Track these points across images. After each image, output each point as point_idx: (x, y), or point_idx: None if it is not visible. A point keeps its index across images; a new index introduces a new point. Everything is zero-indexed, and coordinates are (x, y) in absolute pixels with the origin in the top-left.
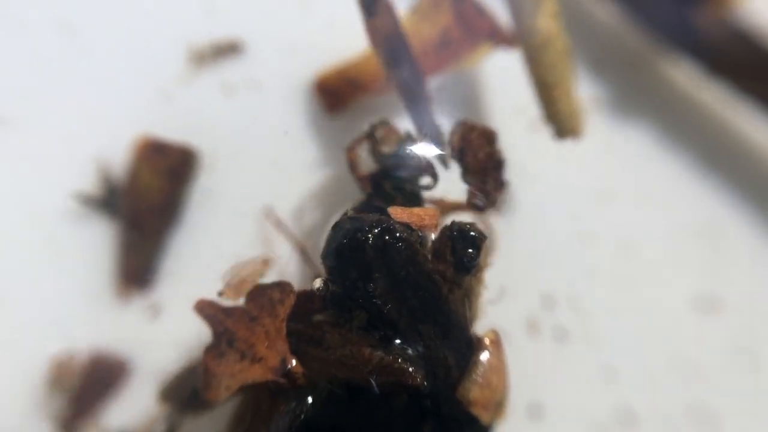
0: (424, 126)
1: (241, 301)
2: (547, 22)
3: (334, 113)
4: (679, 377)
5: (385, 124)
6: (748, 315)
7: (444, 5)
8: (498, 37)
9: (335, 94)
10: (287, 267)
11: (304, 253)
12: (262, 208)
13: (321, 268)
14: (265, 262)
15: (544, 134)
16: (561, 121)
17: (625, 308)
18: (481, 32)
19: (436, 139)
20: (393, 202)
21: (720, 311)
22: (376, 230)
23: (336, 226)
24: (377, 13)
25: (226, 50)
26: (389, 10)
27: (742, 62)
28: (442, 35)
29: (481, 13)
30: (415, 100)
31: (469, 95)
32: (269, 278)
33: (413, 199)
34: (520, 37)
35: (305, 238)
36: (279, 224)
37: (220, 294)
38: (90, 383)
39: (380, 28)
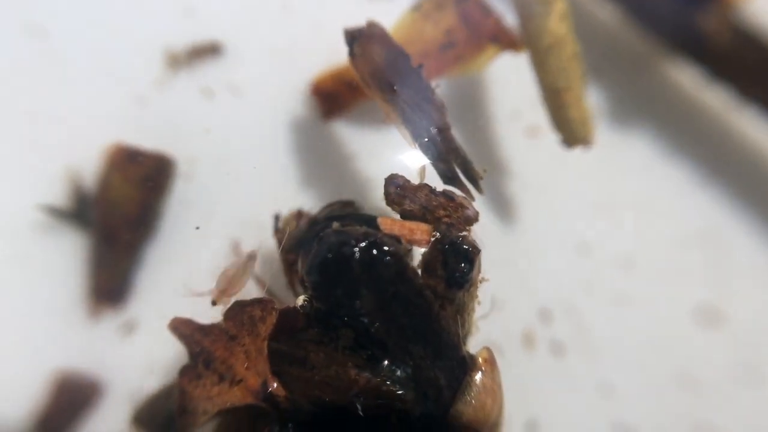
0: (421, 137)
1: (219, 318)
2: (556, 24)
3: (329, 118)
4: (679, 392)
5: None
6: (751, 328)
7: (447, 4)
8: (504, 40)
9: (332, 98)
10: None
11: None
12: (242, 220)
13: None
14: (251, 256)
15: (541, 140)
16: (571, 129)
17: (624, 321)
18: (486, 34)
19: (431, 149)
20: None
21: (722, 324)
22: (362, 244)
23: (320, 240)
24: (358, 53)
25: (205, 53)
26: (376, 40)
27: (747, 65)
28: (446, 36)
29: (487, 13)
30: (418, 114)
31: (463, 100)
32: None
33: None
34: (527, 40)
35: (288, 253)
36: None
37: (214, 303)
38: (59, 405)
39: (365, 64)
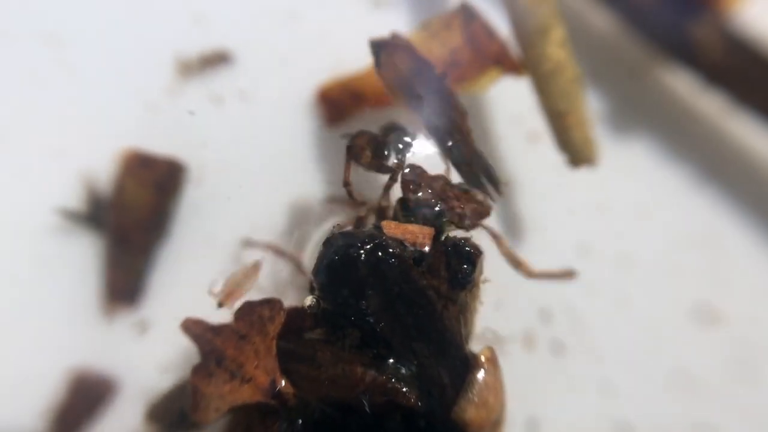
0: (445, 141)
1: (230, 318)
2: (555, 50)
3: (334, 126)
4: (678, 391)
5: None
6: (747, 326)
7: (455, 25)
8: (506, 63)
9: (337, 106)
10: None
11: (297, 265)
12: (251, 223)
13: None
14: (256, 266)
15: (542, 145)
16: (575, 150)
17: (623, 321)
18: (490, 56)
19: (454, 154)
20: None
21: (719, 323)
22: (368, 246)
23: (327, 242)
24: (384, 63)
25: (214, 61)
26: (401, 50)
27: (741, 72)
28: (451, 55)
29: (492, 36)
30: (442, 120)
31: (465, 105)
32: (266, 293)
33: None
34: (529, 66)
35: (296, 255)
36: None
37: (220, 305)
38: (75, 402)
39: (391, 73)
